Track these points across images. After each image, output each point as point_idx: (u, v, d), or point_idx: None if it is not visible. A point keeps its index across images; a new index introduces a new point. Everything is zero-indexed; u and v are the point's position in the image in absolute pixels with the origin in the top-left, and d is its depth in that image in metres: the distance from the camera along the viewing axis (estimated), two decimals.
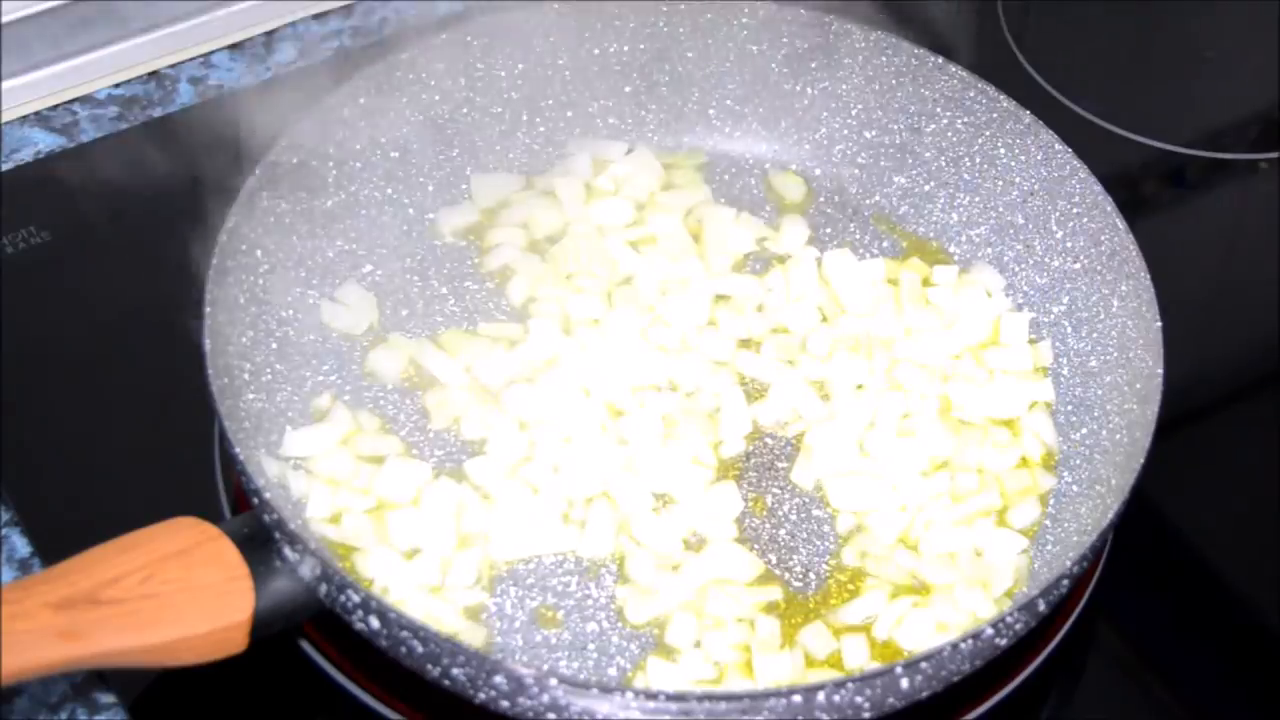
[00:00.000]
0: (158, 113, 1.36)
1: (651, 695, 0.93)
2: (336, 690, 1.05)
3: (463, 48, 1.25)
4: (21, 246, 1.26)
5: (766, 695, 0.94)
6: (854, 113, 1.30)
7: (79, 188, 1.31)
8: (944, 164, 1.28)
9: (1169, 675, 1.12)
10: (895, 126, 1.29)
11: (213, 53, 1.40)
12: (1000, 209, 1.26)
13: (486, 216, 1.26)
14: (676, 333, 1.20)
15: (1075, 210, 1.20)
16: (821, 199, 1.30)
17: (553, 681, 0.94)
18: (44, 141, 1.34)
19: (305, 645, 1.06)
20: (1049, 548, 1.11)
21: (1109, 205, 1.18)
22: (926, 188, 1.29)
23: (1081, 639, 1.11)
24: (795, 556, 1.11)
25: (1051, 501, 1.14)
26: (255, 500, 1.00)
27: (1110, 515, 1.03)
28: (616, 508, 1.11)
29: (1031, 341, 1.21)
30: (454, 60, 1.24)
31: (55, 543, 1.08)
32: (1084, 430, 1.16)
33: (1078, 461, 1.15)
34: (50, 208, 1.29)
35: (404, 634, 0.96)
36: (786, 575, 1.10)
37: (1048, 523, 1.13)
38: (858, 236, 1.28)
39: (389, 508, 1.10)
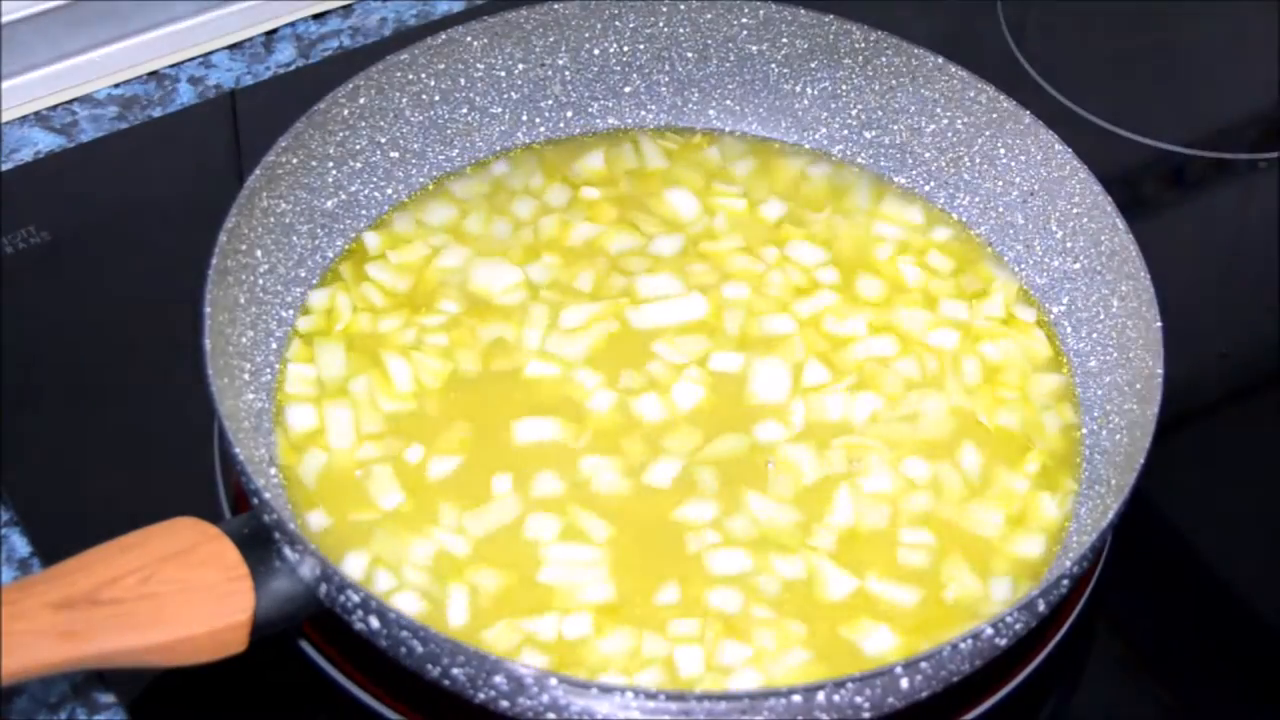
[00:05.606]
0: (158, 113, 1.36)
1: (651, 695, 0.93)
2: (336, 690, 1.05)
3: (463, 48, 1.25)
4: (21, 246, 1.26)
5: (766, 695, 0.94)
6: (854, 113, 1.30)
7: (79, 188, 1.31)
8: (944, 164, 1.28)
9: (1169, 675, 1.12)
10: (895, 126, 1.29)
11: (213, 53, 1.40)
12: (1000, 209, 1.26)
13: None
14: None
15: (1075, 210, 1.20)
16: None
17: (553, 681, 0.94)
18: (44, 141, 1.34)
19: (305, 645, 1.06)
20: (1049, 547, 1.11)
21: (1109, 205, 1.18)
22: (926, 188, 1.29)
23: (1081, 639, 1.11)
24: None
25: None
26: (255, 500, 1.00)
27: (1110, 515, 1.03)
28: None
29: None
30: (454, 60, 1.24)
31: (55, 543, 1.08)
32: (1084, 430, 1.16)
33: (1077, 461, 1.15)
34: (50, 208, 1.28)
35: (404, 634, 0.96)
36: None
37: None
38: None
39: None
